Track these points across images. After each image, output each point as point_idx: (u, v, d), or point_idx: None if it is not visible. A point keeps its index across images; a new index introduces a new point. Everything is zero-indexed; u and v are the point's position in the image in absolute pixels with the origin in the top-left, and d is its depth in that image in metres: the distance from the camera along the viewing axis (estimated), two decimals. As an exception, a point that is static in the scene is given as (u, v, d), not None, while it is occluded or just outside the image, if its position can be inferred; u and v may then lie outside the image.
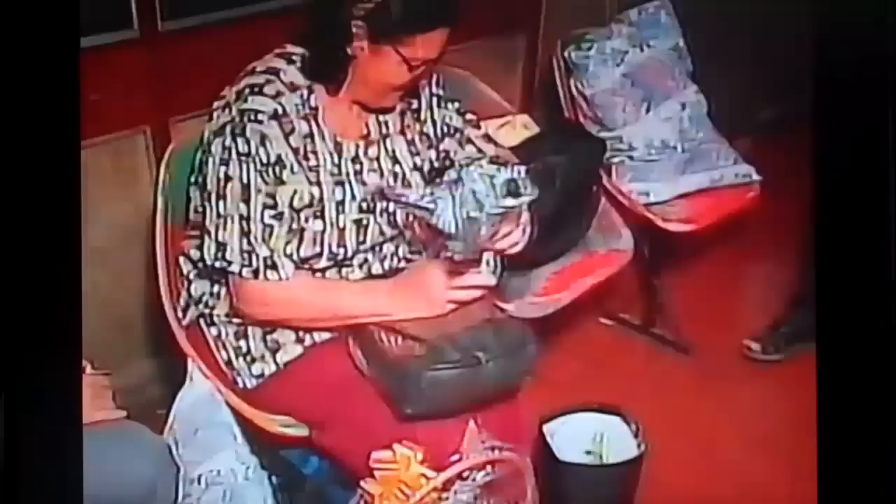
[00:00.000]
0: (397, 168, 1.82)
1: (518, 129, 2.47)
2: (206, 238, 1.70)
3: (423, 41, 1.66)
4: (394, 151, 1.83)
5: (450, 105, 1.93)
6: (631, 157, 2.74)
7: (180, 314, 1.89)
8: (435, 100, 1.91)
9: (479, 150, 1.95)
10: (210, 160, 1.69)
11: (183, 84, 2.19)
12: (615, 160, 2.74)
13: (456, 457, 1.60)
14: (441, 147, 1.92)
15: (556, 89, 2.83)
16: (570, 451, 2.06)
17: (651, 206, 2.72)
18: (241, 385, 1.79)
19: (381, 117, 1.82)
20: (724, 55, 3.17)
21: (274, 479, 1.83)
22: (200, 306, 1.84)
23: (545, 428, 2.07)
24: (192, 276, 1.87)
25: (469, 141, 1.95)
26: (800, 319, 2.74)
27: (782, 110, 2.69)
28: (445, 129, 1.92)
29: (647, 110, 2.75)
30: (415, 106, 1.88)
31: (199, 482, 1.70)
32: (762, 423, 2.55)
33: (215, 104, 1.74)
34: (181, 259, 1.89)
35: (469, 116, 1.96)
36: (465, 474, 1.60)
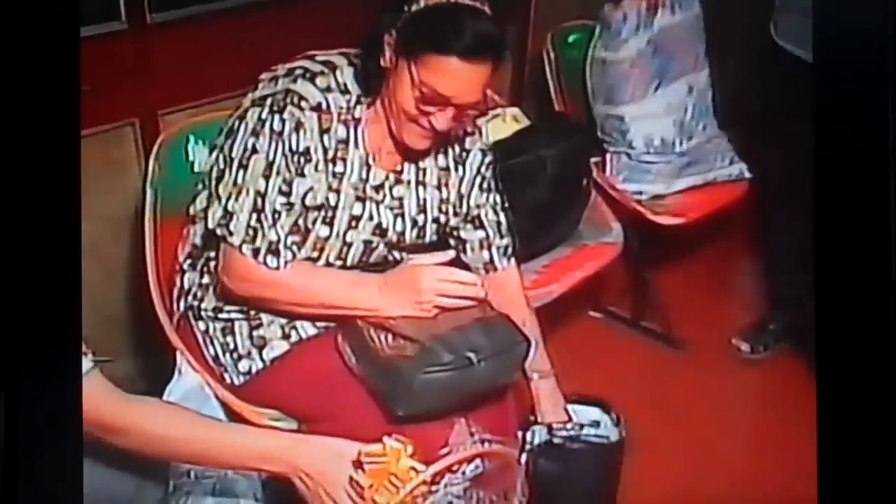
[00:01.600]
0: (420, 217, 1.80)
1: (508, 121, 2.47)
2: (216, 203, 1.68)
3: (435, 65, 1.58)
4: (425, 202, 1.80)
5: (486, 185, 1.87)
6: (629, 156, 2.73)
7: (174, 305, 1.88)
8: (477, 179, 1.85)
9: (486, 238, 1.89)
10: (242, 127, 1.67)
11: (172, 76, 2.17)
12: (611, 149, 2.73)
13: (446, 450, 1.60)
14: (457, 215, 1.87)
15: (546, 82, 2.82)
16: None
17: (641, 200, 2.72)
18: (228, 381, 1.79)
19: (420, 163, 1.78)
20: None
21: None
22: (189, 298, 1.83)
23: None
24: (185, 266, 1.86)
25: (480, 226, 1.89)
26: (788, 316, 2.75)
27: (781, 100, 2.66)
28: (470, 208, 1.87)
29: (657, 89, 2.72)
30: (460, 173, 1.84)
31: (188, 475, 1.69)
32: (752, 416, 2.56)
33: (263, 75, 1.72)
34: (179, 246, 1.88)
35: (496, 199, 1.89)
36: (454, 467, 1.60)
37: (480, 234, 1.89)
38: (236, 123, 1.70)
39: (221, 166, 1.71)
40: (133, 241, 2.12)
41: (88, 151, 2.07)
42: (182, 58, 2.16)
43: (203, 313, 1.81)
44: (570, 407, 1.90)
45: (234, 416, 1.80)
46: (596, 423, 1.91)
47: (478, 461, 1.62)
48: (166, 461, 1.56)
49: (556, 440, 1.81)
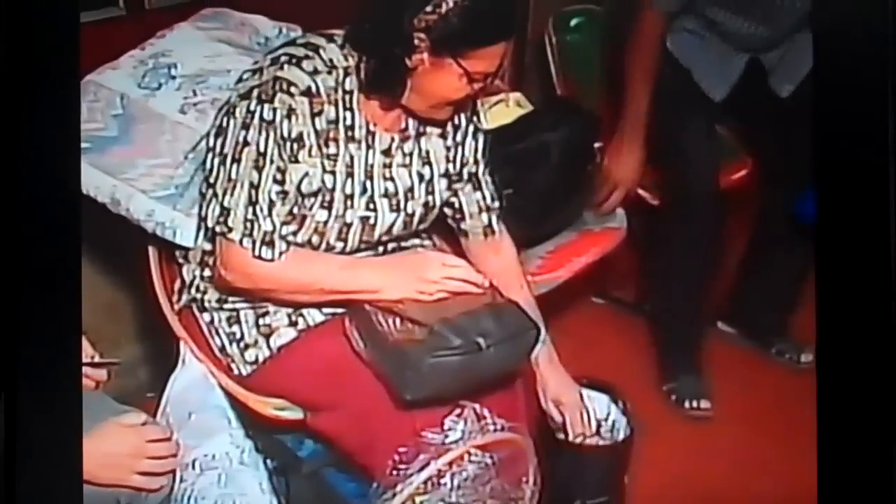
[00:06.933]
0: (426, 170, 1.79)
1: (512, 106, 2.44)
2: (213, 200, 1.67)
3: (484, 55, 1.63)
4: (428, 152, 1.79)
5: (480, 138, 1.88)
6: None
7: (175, 297, 1.87)
8: (472, 128, 1.86)
9: (483, 200, 1.89)
10: (232, 122, 1.66)
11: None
12: None
13: (457, 435, 1.60)
14: (458, 171, 1.87)
15: (548, 66, 2.80)
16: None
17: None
18: (235, 372, 1.77)
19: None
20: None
21: (269, 462, 1.81)
22: (192, 290, 1.82)
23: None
24: (180, 259, 1.84)
25: (478, 187, 1.89)
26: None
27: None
28: (469, 160, 1.87)
29: None
30: (456, 121, 1.84)
31: (192, 467, 1.69)
32: (756, 403, 2.54)
33: (245, 69, 1.72)
34: None
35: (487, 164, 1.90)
36: (462, 458, 1.60)
37: (478, 195, 1.89)
38: (225, 120, 1.69)
39: (215, 164, 1.70)
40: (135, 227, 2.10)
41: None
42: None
43: (207, 304, 1.80)
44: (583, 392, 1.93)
45: (238, 406, 1.79)
46: (606, 419, 1.92)
47: (486, 452, 1.61)
48: None
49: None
